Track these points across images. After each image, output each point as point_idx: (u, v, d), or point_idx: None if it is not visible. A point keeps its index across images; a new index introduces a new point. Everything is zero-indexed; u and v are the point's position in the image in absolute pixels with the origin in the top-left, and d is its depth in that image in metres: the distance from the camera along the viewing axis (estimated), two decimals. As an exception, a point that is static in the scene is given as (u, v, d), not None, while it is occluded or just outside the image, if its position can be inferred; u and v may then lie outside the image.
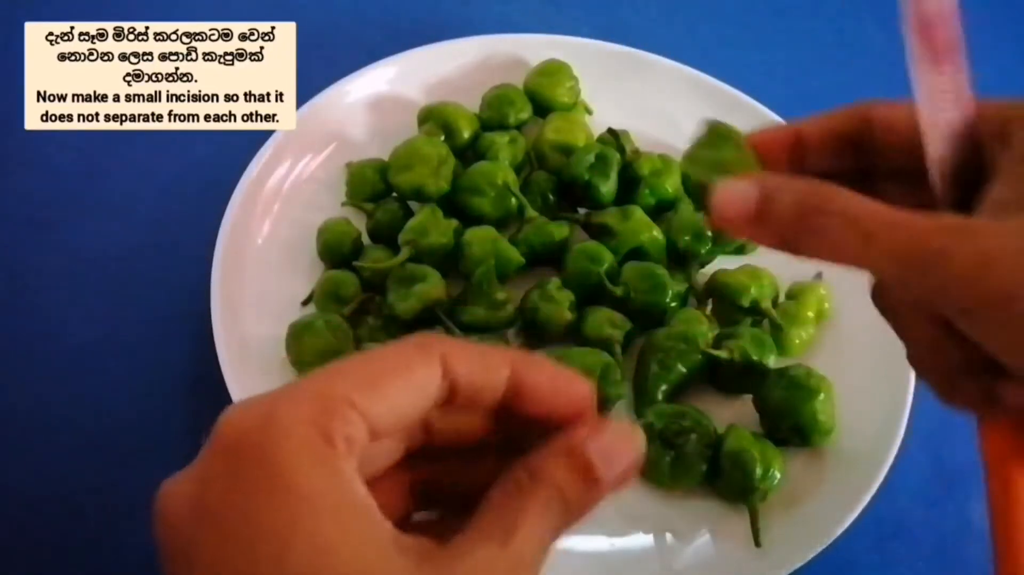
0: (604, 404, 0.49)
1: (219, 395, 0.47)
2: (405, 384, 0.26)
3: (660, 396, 0.50)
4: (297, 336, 0.50)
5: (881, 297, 0.31)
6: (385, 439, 0.27)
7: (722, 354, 0.50)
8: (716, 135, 0.31)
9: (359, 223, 0.56)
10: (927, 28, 0.26)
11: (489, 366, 0.27)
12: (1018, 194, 0.26)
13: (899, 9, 0.25)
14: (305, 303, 0.54)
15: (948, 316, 0.26)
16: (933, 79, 0.26)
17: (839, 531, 0.45)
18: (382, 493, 0.25)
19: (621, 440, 0.27)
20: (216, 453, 0.24)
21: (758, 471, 0.46)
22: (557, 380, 0.28)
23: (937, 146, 0.27)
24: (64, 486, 0.49)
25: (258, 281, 0.54)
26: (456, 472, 0.30)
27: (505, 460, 0.27)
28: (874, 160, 0.30)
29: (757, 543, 0.46)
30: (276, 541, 0.22)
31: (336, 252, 0.55)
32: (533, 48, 0.63)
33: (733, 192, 0.28)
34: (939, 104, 0.27)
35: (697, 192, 0.30)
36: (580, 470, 0.26)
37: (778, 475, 0.47)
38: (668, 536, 0.47)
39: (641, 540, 0.47)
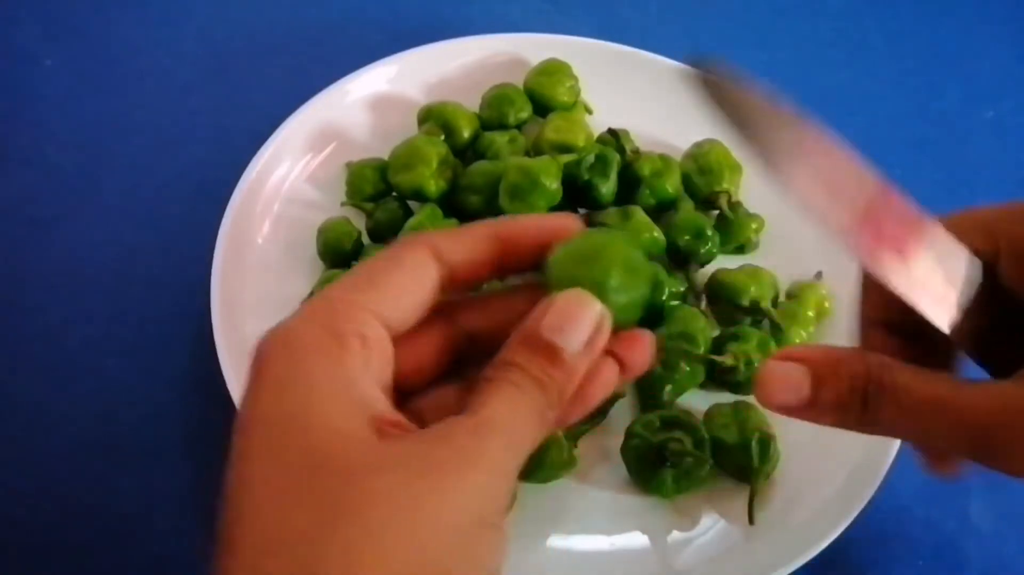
0: (605, 404, 0.49)
1: (219, 395, 0.47)
2: (401, 275, 0.28)
3: (665, 396, 0.50)
4: (297, 336, 0.50)
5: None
6: (411, 324, 0.29)
7: (727, 361, 0.50)
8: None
9: (359, 223, 0.56)
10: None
11: (474, 235, 0.30)
12: None
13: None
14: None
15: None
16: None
17: (839, 530, 0.45)
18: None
19: (567, 310, 0.28)
20: (251, 372, 0.27)
21: (759, 451, 0.47)
22: (540, 219, 0.30)
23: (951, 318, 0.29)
24: (64, 486, 0.49)
25: (258, 281, 0.54)
26: None
27: None
28: None
29: (751, 521, 0.46)
30: (294, 423, 0.25)
31: (336, 252, 0.55)
32: (533, 48, 0.63)
33: (783, 376, 0.29)
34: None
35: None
36: (539, 349, 0.27)
37: (779, 454, 0.48)
38: (668, 536, 0.47)
39: (641, 540, 0.47)
